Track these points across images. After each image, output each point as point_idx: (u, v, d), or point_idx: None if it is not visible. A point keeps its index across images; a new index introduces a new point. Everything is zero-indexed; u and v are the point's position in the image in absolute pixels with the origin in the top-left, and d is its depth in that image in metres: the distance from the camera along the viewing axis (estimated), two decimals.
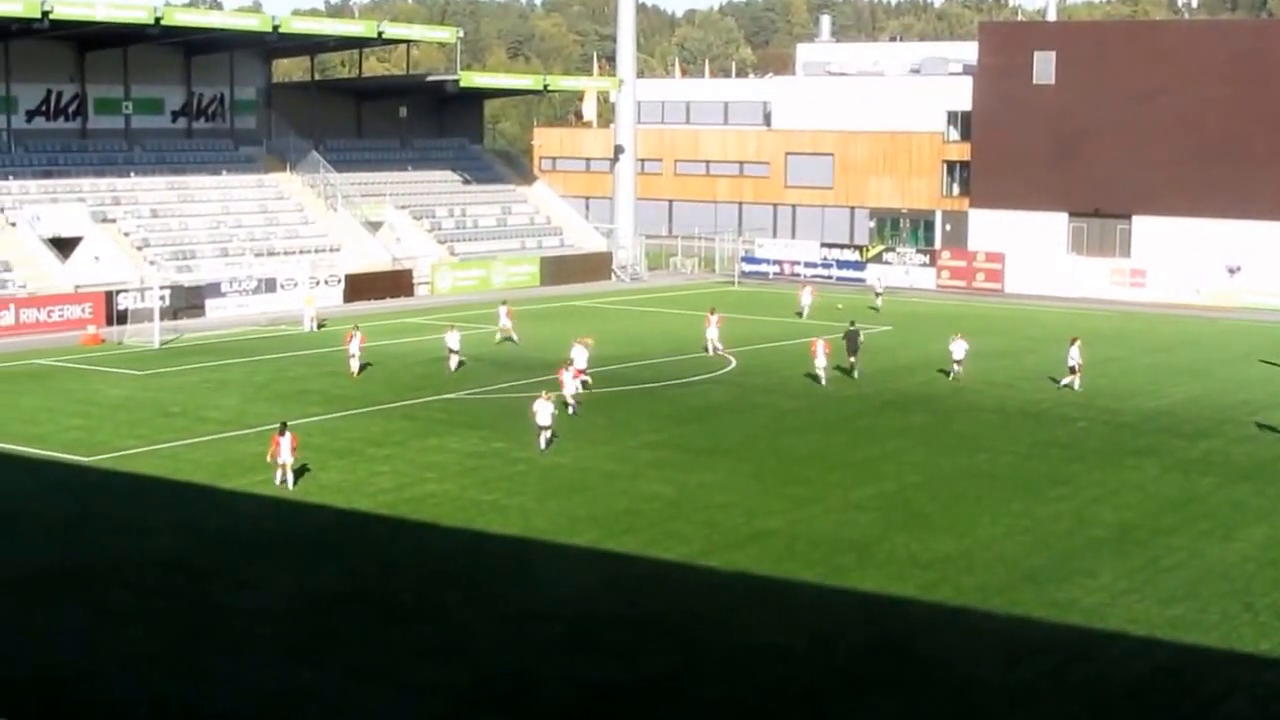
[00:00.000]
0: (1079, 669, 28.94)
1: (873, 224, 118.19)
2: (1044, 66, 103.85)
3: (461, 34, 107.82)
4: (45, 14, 75.08)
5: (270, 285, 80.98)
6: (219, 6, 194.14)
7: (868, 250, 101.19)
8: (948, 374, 61.08)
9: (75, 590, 33.19)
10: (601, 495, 41.58)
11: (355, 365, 60.47)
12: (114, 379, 59.59)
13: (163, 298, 72.28)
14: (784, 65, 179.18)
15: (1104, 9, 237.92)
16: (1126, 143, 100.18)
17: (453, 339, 62.08)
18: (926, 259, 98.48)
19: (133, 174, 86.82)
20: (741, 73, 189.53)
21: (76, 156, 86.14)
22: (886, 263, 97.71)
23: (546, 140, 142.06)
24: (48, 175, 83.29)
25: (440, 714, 26.92)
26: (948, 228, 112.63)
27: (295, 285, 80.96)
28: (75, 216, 79.52)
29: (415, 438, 48.70)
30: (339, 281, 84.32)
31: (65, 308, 72.46)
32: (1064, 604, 32.48)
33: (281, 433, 41.87)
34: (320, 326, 73.16)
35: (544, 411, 46.71)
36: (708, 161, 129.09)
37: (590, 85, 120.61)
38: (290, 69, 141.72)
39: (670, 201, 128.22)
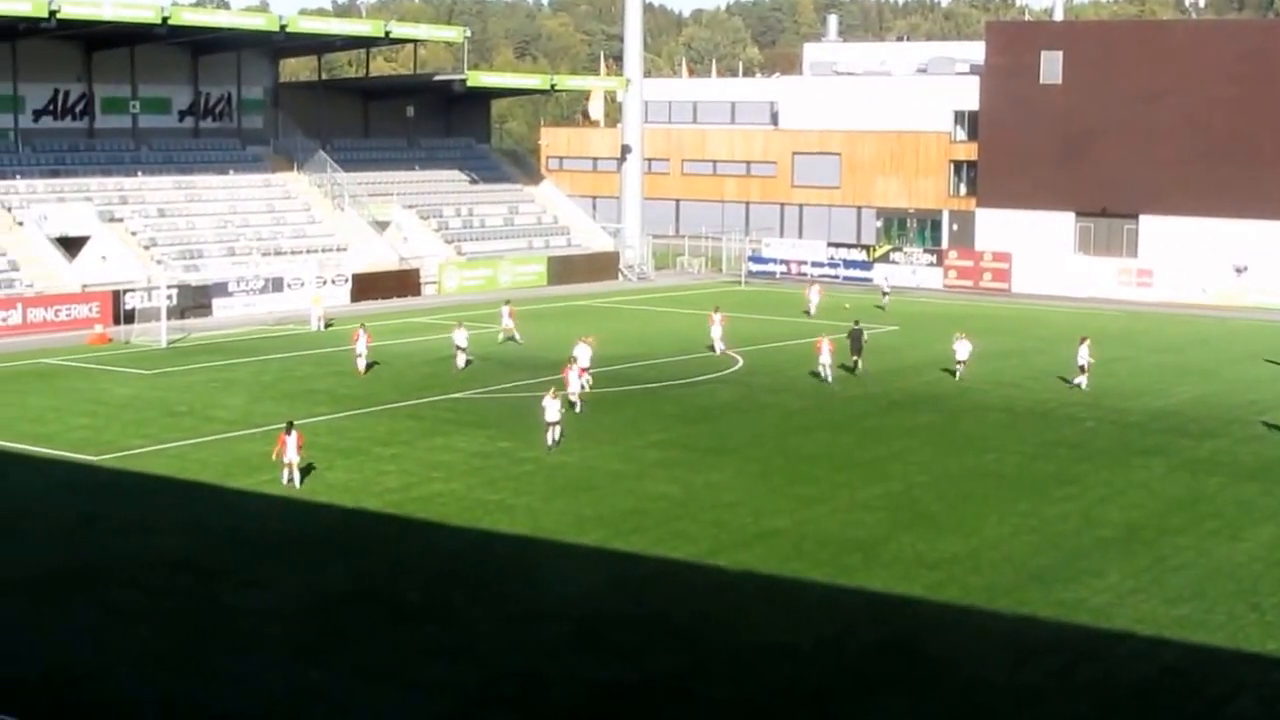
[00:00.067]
0: (1086, 669, 28.92)
1: (879, 224, 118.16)
2: (1051, 66, 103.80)
3: (469, 34, 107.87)
4: (52, 13, 75.17)
5: (277, 285, 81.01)
6: (226, 6, 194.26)
7: (874, 250, 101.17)
8: (953, 374, 61.15)
9: (83, 590, 33.21)
10: (608, 495, 41.58)
11: (362, 364, 60.58)
12: (121, 378, 59.64)
13: (170, 297, 72.31)
14: (791, 65, 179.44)
15: (1111, 9, 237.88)
16: (1134, 142, 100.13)
17: (460, 337, 62.22)
18: (933, 259, 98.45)
19: (140, 173, 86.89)
20: (748, 72, 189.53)
21: (83, 156, 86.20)
22: (893, 262, 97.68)
23: (554, 140, 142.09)
24: (55, 175, 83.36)
25: (448, 714, 26.93)
26: (955, 227, 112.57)
27: (302, 285, 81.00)
28: (82, 216, 79.59)
29: (422, 437, 48.72)
30: (346, 281, 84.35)
31: (72, 307, 72.52)
32: (1071, 604, 32.46)
33: (288, 432, 41.93)
34: (328, 326, 73.20)
35: (552, 408, 46.90)
36: (715, 161, 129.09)
37: (597, 85, 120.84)
38: (297, 69, 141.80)
39: (677, 201, 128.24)
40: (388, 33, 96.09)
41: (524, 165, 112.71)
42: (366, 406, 53.74)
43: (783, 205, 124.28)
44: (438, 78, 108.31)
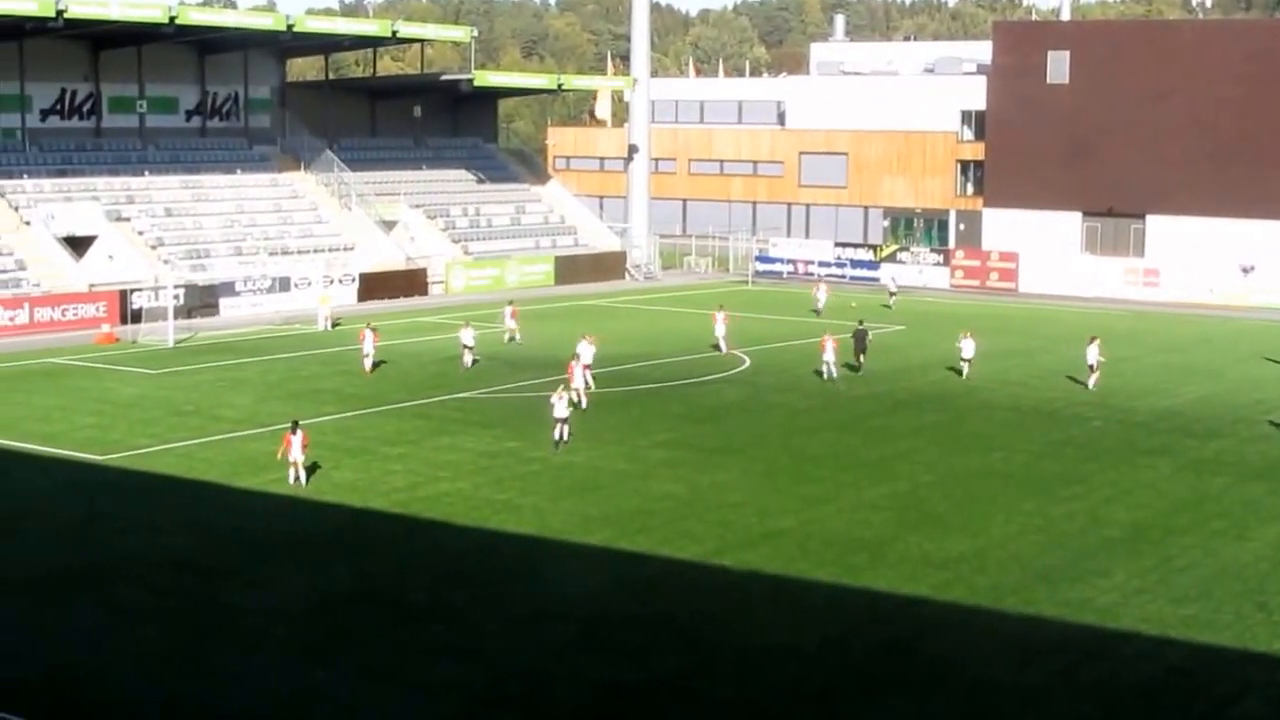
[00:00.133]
0: (1092, 669, 28.90)
1: (887, 223, 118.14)
2: (1058, 66, 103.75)
3: (476, 33, 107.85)
4: (60, 13, 75.23)
5: (284, 284, 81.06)
6: (233, 6, 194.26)
7: (882, 250, 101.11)
8: (959, 373, 61.18)
9: (88, 589, 33.23)
10: (614, 494, 41.58)
11: (369, 364, 60.63)
12: (128, 378, 59.68)
13: (177, 297, 72.35)
14: (798, 65, 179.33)
15: (1118, 9, 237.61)
16: (1140, 142, 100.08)
17: (467, 336, 62.31)
18: (940, 258, 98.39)
19: (147, 173, 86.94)
20: (755, 72, 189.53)
21: (91, 155, 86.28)
22: (900, 262, 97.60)
23: (560, 139, 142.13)
24: (62, 174, 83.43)
25: (453, 714, 26.92)
26: (961, 227, 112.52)
27: (309, 284, 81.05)
28: (89, 215, 79.63)
29: (429, 437, 48.74)
30: (353, 280, 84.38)
31: (79, 306, 72.57)
32: (1077, 604, 32.44)
33: (293, 431, 41.96)
34: (335, 326, 73.22)
35: (560, 406, 47.05)
36: (722, 161, 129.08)
37: (604, 85, 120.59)
38: (304, 68, 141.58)
39: (684, 201, 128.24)
40: (395, 32, 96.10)
41: (531, 165, 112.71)
42: (373, 406, 53.76)
43: (790, 205, 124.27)
44: (445, 77, 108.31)
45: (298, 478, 41.85)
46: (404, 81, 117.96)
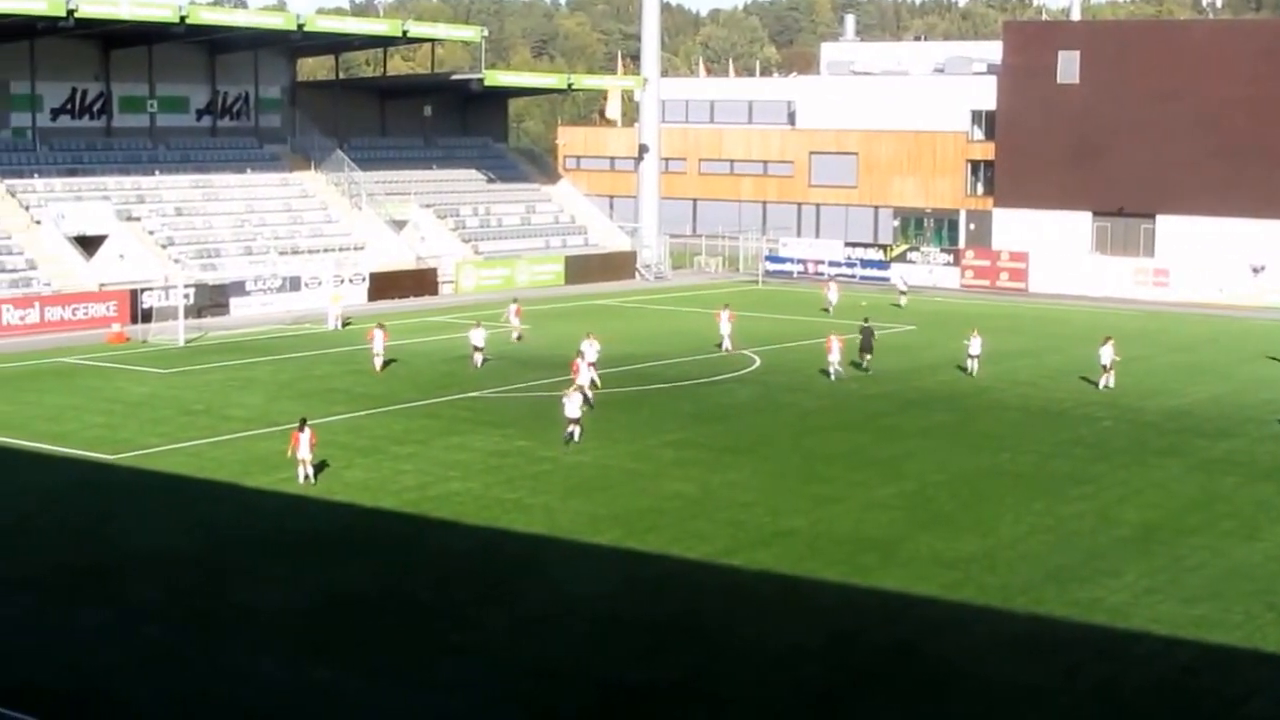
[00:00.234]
0: (1102, 668, 28.88)
1: (897, 223, 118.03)
2: (1068, 66, 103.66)
3: (486, 33, 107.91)
4: (70, 12, 75.30)
5: (295, 284, 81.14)
6: (244, 5, 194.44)
7: (892, 250, 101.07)
8: (965, 370, 61.25)
9: (97, 588, 33.28)
10: (624, 494, 41.60)
11: (379, 363, 60.74)
12: (138, 377, 59.76)
13: (187, 296, 72.45)
14: (808, 64, 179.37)
15: (1128, 8, 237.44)
16: (1151, 142, 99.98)
17: (478, 336, 62.35)
18: (950, 258, 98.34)
19: (157, 172, 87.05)
20: (766, 72, 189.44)
21: (101, 155, 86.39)
22: (910, 262, 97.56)
23: (571, 139, 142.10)
24: (73, 173, 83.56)
25: (461, 713, 26.94)
26: (972, 227, 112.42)
27: (319, 284, 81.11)
28: (100, 215, 79.72)
29: (439, 436, 48.77)
30: (363, 280, 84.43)
31: (90, 306, 72.66)
32: (1087, 603, 32.41)
33: (300, 428, 42.01)
34: (345, 325, 73.28)
35: (571, 405, 47.14)
36: (732, 161, 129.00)
37: (614, 84, 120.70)
38: (315, 68, 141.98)
39: (694, 201, 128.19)
40: (405, 32, 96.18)
41: (541, 164, 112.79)
42: (384, 405, 53.80)
43: (800, 205, 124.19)
44: (455, 77, 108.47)
45: (307, 476, 41.91)
46: (414, 81, 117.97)
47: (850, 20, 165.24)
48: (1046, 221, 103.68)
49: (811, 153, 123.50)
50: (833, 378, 59.60)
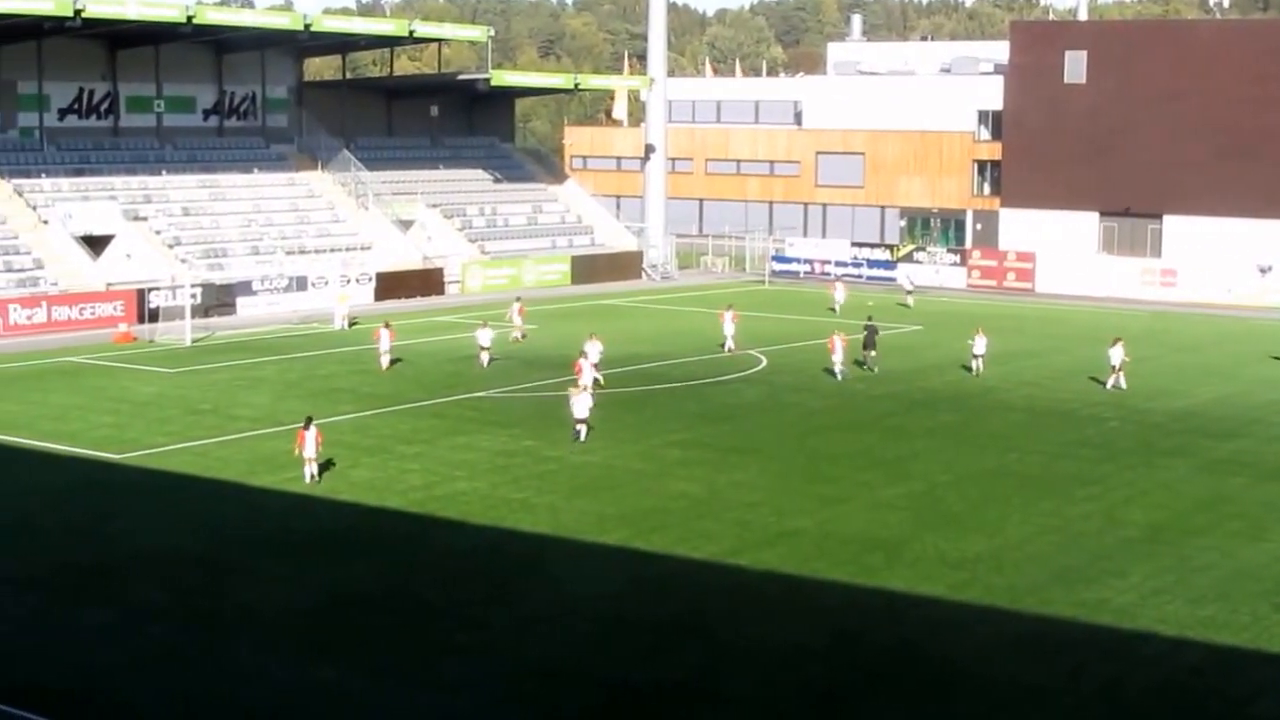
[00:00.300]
0: (1108, 669, 28.85)
1: (903, 223, 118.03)
2: (1075, 66, 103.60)
3: (492, 33, 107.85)
4: (77, 12, 75.36)
5: (301, 283, 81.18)
6: (250, 5, 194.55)
7: (898, 250, 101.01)
8: (970, 370, 61.29)
9: (102, 588, 33.29)
10: (630, 494, 41.59)
11: (386, 360, 60.81)
12: (145, 377, 59.80)
13: (194, 296, 72.48)
14: (815, 64, 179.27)
15: (1135, 8, 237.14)
16: (1158, 142, 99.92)
17: (484, 336, 62.40)
18: (957, 258, 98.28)
19: (164, 172, 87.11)
20: (772, 72, 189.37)
21: (108, 154, 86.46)
22: (917, 262, 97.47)
23: (577, 139, 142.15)
24: (80, 173, 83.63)
25: (466, 713, 26.92)
26: (978, 227, 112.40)
27: (326, 283, 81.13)
28: (107, 214, 79.77)
29: (445, 435, 48.78)
30: (370, 280, 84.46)
31: (97, 305, 72.71)
32: (1094, 604, 32.38)
33: (306, 427, 42.04)
34: (352, 325, 73.29)
35: (580, 404, 47.14)
36: (738, 161, 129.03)
37: (621, 84, 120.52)
38: (321, 68, 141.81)
39: (701, 201, 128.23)
40: (412, 32, 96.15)
41: (547, 164, 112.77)
42: (390, 405, 53.81)
43: (806, 205, 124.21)
44: (462, 77, 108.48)
45: (312, 475, 41.94)
46: (421, 81, 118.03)
47: (857, 20, 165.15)
48: (1053, 221, 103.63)
49: (818, 153, 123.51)
50: (838, 377, 59.62)
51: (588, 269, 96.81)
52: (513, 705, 27.20)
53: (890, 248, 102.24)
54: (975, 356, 61.33)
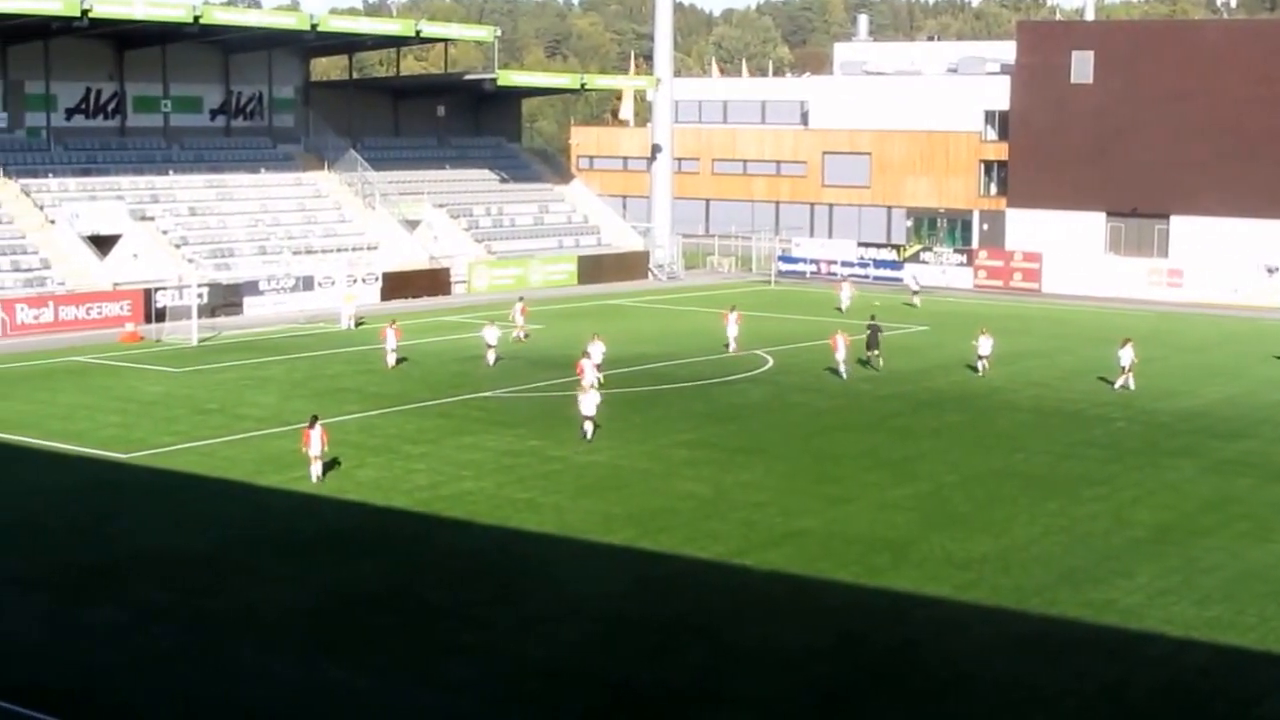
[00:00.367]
0: (1115, 669, 28.81)
1: (910, 223, 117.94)
2: (1082, 66, 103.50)
3: (499, 33, 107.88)
4: (85, 12, 75.38)
5: (308, 283, 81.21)
6: (257, 5, 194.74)
7: (905, 250, 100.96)
8: (975, 370, 61.28)
9: (108, 587, 33.31)
10: (637, 493, 41.58)
11: (392, 358, 60.92)
12: (151, 376, 59.84)
13: (201, 295, 72.54)
14: (821, 64, 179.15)
15: (1142, 8, 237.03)
16: (1164, 142, 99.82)
17: (490, 334, 62.53)
18: (964, 259, 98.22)
19: (171, 172, 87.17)
20: (779, 72, 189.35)
21: (115, 154, 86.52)
22: (924, 262, 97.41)
23: (584, 139, 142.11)
24: (87, 173, 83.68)
25: (471, 712, 26.93)
26: (985, 227, 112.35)
27: (333, 283, 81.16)
28: (114, 214, 79.82)
29: (451, 435, 48.79)
30: (376, 280, 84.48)
31: (103, 305, 72.76)
32: (1100, 605, 32.35)
33: (311, 426, 42.06)
34: (359, 325, 73.32)
35: (587, 402, 47.24)
36: (745, 161, 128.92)
37: (627, 84, 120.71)
38: (328, 68, 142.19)
39: (707, 201, 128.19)
40: (418, 32, 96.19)
41: (554, 164, 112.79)
42: (396, 405, 53.83)
43: (813, 205, 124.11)
44: (468, 77, 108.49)
45: (317, 474, 41.97)
46: (427, 81, 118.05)
47: (863, 20, 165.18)
48: (1060, 222, 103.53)
49: (824, 153, 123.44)
50: (842, 375, 59.63)
51: (594, 269, 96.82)
52: (517, 705, 27.18)
53: (897, 248, 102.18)
54: (980, 357, 61.40)
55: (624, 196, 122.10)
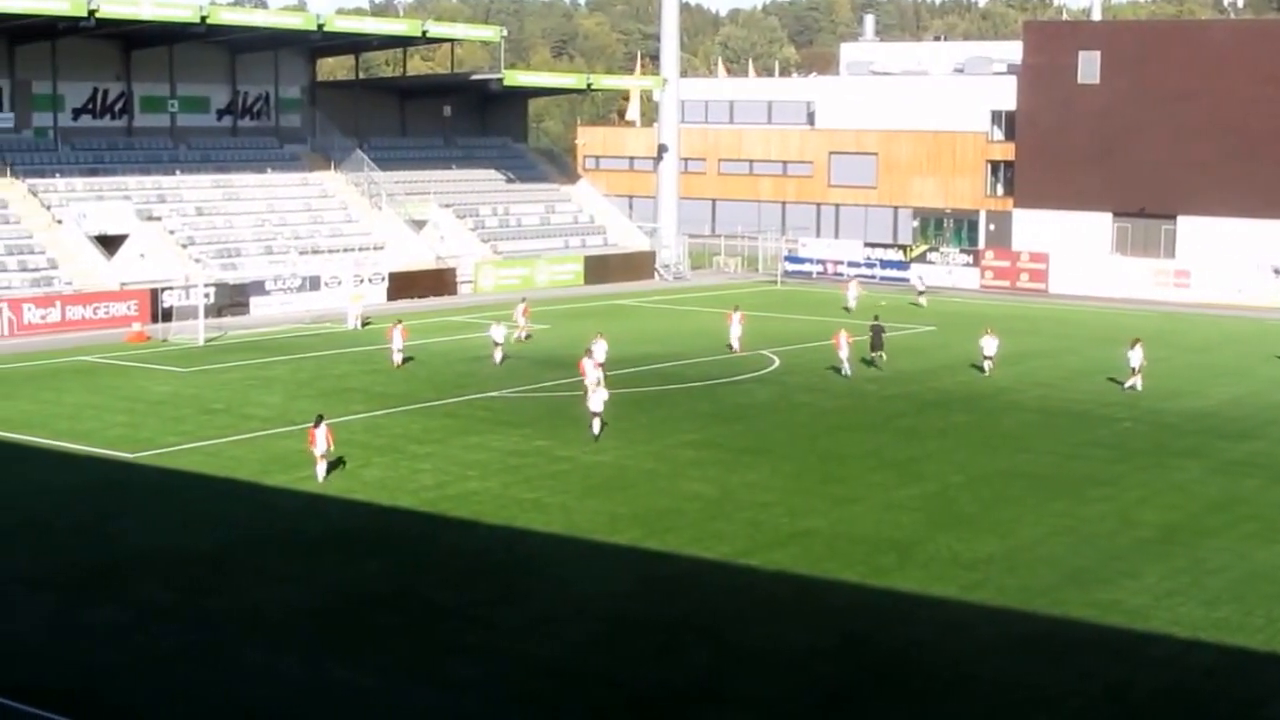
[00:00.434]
0: (1119, 670, 28.79)
1: (916, 224, 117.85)
2: (1088, 66, 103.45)
3: (505, 33, 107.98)
4: (92, 12, 75.50)
5: (314, 283, 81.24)
6: (264, 5, 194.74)
7: (911, 250, 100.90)
8: (980, 370, 61.26)
9: (115, 587, 33.33)
10: (643, 494, 41.58)
11: (399, 358, 61.01)
12: (158, 376, 59.87)
13: (207, 295, 72.56)
14: (827, 64, 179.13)
15: (1149, 8, 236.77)
16: (1171, 143, 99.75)
17: (497, 333, 62.77)
18: (970, 259, 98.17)
19: (178, 172, 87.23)
20: (785, 72, 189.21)
21: (122, 154, 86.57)
22: (930, 262, 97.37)
23: (590, 139, 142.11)
24: (94, 173, 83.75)
25: (475, 712, 26.93)
26: (991, 228, 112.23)
27: (339, 283, 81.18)
28: (121, 214, 79.88)
29: (457, 435, 48.80)
30: (383, 280, 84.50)
31: (110, 305, 72.80)
32: (1107, 605, 32.32)
33: (316, 425, 42.09)
34: (365, 325, 73.33)
35: (596, 398, 47.39)
36: (751, 161, 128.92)
37: (634, 84, 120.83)
38: (334, 68, 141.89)
39: (713, 201, 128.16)
40: (424, 32, 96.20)
41: (560, 164, 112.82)
42: (402, 404, 53.84)
43: (819, 205, 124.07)
44: (474, 77, 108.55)
45: (323, 473, 42.00)
46: (434, 81, 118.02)
47: (870, 20, 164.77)
48: (1066, 222, 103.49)
49: (831, 153, 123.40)
50: (847, 374, 59.60)
51: (600, 269, 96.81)
52: (521, 705, 27.19)
53: (903, 248, 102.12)
54: (986, 357, 61.41)
55: (630, 197, 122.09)
